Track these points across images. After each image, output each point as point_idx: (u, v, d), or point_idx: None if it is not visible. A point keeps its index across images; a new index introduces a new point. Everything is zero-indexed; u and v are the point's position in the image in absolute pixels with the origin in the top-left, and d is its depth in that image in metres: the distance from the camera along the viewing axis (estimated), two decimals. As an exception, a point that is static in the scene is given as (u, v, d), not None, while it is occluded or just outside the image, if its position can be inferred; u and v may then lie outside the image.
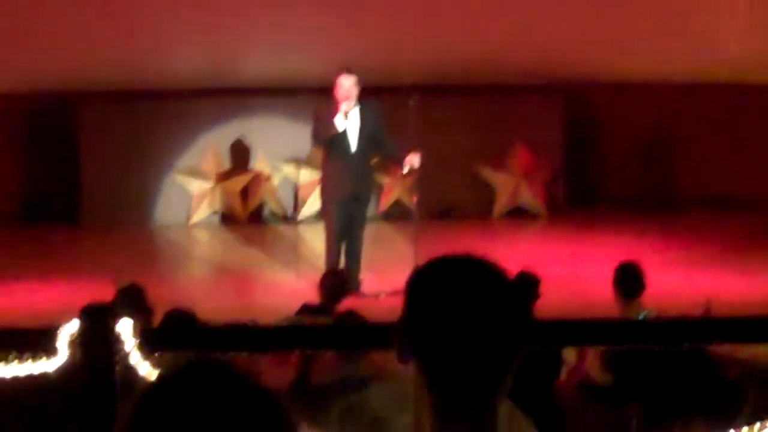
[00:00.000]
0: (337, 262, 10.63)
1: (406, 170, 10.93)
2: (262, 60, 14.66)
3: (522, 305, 2.28)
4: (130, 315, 4.92)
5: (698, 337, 4.52)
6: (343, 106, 10.60)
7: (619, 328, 4.75)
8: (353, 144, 10.71)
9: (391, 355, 2.32)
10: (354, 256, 10.88)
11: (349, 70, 10.72)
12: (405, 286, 2.29)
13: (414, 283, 2.28)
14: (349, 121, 10.68)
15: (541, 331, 4.12)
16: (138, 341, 4.15)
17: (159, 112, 14.85)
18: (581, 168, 15.27)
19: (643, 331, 4.62)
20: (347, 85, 10.66)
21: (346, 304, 8.42)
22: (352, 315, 7.10)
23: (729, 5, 14.25)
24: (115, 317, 4.18)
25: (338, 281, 8.87)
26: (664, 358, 5.71)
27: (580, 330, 4.42)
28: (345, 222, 10.78)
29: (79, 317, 4.29)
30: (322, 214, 11.18)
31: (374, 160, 11.50)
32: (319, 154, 11.63)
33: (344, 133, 10.67)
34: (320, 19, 14.24)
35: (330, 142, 10.71)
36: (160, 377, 1.97)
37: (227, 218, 14.84)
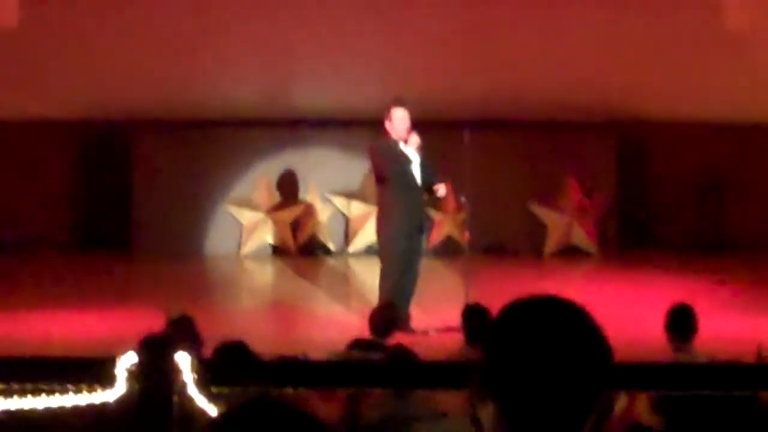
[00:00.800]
0: (394, 297, 10.50)
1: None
2: (314, 92, 14.74)
3: (610, 350, 2.25)
4: (181, 346, 4.96)
5: (751, 384, 4.49)
6: (402, 137, 10.48)
7: (672, 373, 4.72)
8: (417, 175, 10.61)
9: (441, 393, 2.30)
10: (409, 291, 10.72)
11: (401, 101, 10.62)
12: (489, 328, 2.26)
13: (498, 325, 2.25)
14: (410, 152, 10.63)
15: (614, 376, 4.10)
16: (196, 375, 4.18)
17: (212, 142, 14.95)
18: (634, 207, 15.21)
19: (696, 376, 4.59)
20: (403, 116, 10.53)
21: (397, 339, 8.40)
22: (403, 351, 7.09)
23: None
24: (174, 349, 4.21)
25: (389, 316, 8.85)
26: (715, 403, 5.67)
27: (633, 374, 4.40)
28: (407, 256, 10.59)
29: (138, 349, 4.33)
30: (383, 248, 10.88)
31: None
32: (370, 187, 11.52)
33: (410, 164, 10.56)
34: (374, 53, 14.32)
35: (395, 174, 10.55)
36: (221, 415, 2.00)
37: (278, 250, 14.89)
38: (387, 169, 10.57)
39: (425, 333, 10.46)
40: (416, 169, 10.52)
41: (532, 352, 2.16)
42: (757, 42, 14.30)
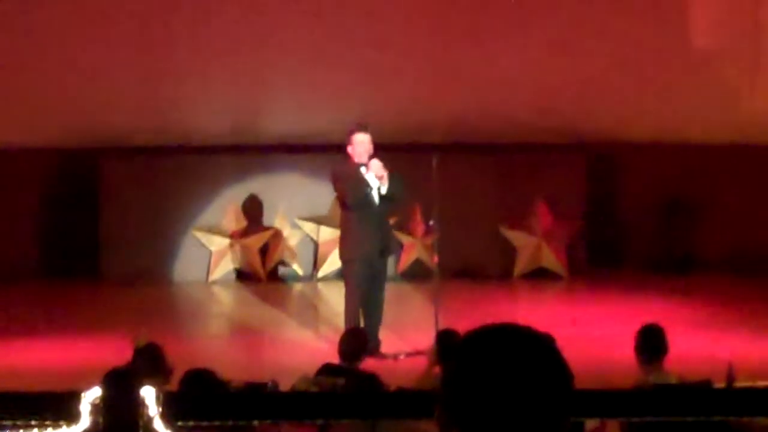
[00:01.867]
0: (358, 321, 10.53)
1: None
2: (282, 118, 14.72)
3: (569, 375, 2.23)
4: (148, 375, 4.90)
5: (722, 409, 4.47)
6: (363, 161, 10.50)
7: (642, 399, 4.70)
8: (376, 199, 10.61)
9: (409, 421, 2.28)
10: (376, 316, 10.73)
11: (364, 127, 10.65)
12: (445, 355, 2.25)
13: (457, 352, 2.23)
14: (370, 177, 10.63)
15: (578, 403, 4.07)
16: (161, 409, 4.13)
17: (180, 169, 14.90)
18: (603, 228, 15.22)
19: (666, 401, 4.57)
20: (363, 140, 10.58)
21: (366, 364, 8.37)
22: (371, 379, 7.06)
23: (750, 67, 14.27)
24: (139, 383, 4.16)
25: (358, 341, 8.82)
26: (686, 425, 5.65)
27: (603, 401, 4.38)
28: (368, 280, 10.61)
29: (102, 383, 4.27)
30: (344, 272, 10.97)
31: (393, 218, 11.42)
32: (338, 212, 11.51)
33: (369, 188, 10.62)
34: (340, 78, 14.32)
35: (361, 199, 10.59)
36: None
37: (247, 276, 14.83)
38: (345, 193, 10.64)
39: (395, 358, 10.45)
40: (376, 194, 10.54)
41: (495, 381, 2.14)
42: (725, 61, 14.37)
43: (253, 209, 15.03)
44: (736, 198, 14.96)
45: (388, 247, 10.84)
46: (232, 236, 14.81)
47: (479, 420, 2.14)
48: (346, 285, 10.76)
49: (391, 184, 10.53)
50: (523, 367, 2.15)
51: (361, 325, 10.45)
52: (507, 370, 2.15)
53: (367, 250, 10.55)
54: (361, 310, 10.63)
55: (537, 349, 2.19)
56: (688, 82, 14.39)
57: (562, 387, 2.17)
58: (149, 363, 7.08)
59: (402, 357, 10.44)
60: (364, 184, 10.52)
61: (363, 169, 10.51)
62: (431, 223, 11.11)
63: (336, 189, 10.89)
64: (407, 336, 10.95)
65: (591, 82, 14.38)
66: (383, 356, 10.40)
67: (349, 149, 10.61)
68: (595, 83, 14.39)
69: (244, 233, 14.86)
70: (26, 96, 14.25)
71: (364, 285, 10.60)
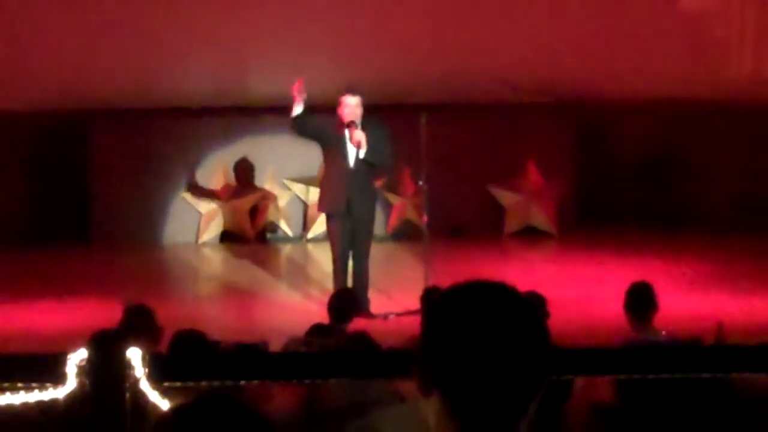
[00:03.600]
0: (345, 281, 10.54)
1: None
2: (271, 79, 14.65)
3: (546, 331, 2.24)
4: (138, 336, 4.89)
5: (711, 366, 4.47)
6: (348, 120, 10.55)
7: (633, 357, 4.70)
8: (351, 159, 10.62)
9: (400, 380, 2.28)
10: (360, 276, 10.74)
11: (353, 90, 10.66)
12: (423, 314, 2.24)
13: (433, 311, 2.23)
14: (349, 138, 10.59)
15: (555, 360, 4.07)
16: (147, 370, 4.12)
17: (168, 132, 14.85)
18: (592, 187, 15.22)
19: (657, 359, 4.56)
20: (352, 104, 10.61)
21: (356, 324, 8.38)
22: (361, 338, 7.05)
23: (739, 27, 14.25)
24: (125, 344, 4.15)
25: (347, 301, 8.82)
26: (678, 381, 5.65)
27: (593, 359, 4.37)
28: (345, 238, 10.65)
29: (88, 345, 4.26)
30: (327, 230, 11.14)
31: (377, 180, 11.43)
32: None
33: (344, 146, 10.59)
34: (330, 39, 14.27)
35: (328, 152, 10.71)
36: (169, 411, 2.01)
37: (236, 237, 14.80)
38: (322, 147, 10.84)
39: (385, 317, 10.46)
40: (352, 153, 10.54)
41: (470, 337, 2.15)
42: (712, 19, 14.34)
43: (242, 171, 14.99)
44: (725, 156, 14.96)
45: (359, 210, 10.71)
46: (221, 198, 14.78)
47: (457, 377, 2.13)
48: (330, 243, 10.88)
49: (374, 152, 10.52)
50: (498, 322, 2.15)
51: (349, 284, 10.48)
52: (482, 327, 2.15)
53: (333, 204, 10.67)
54: (347, 270, 10.66)
55: (511, 304, 2.19)
56: (675, 41, 14.36)
57: (538, 342, 2.17)
58: (139, 324, 7.08)
59: (392, 317, 10.46)
60: (339, 141, 10.56)
61: (347, 132, 10.53)
62: (420, 183, 11.10)
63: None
64: (397, 296, 10.96)
65: (579, 41, 14.34)
66: (372, 316, 10.41)
67: (339, 111, 10.61)
68: (583, 43, 14.35)
69: (234, 195, 14.82)
70: (12, 60, 14.18)
71: (341, 242, 10.64)
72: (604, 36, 14.36)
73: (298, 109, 10.59)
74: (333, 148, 10.66)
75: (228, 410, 2.00)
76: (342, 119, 10.59)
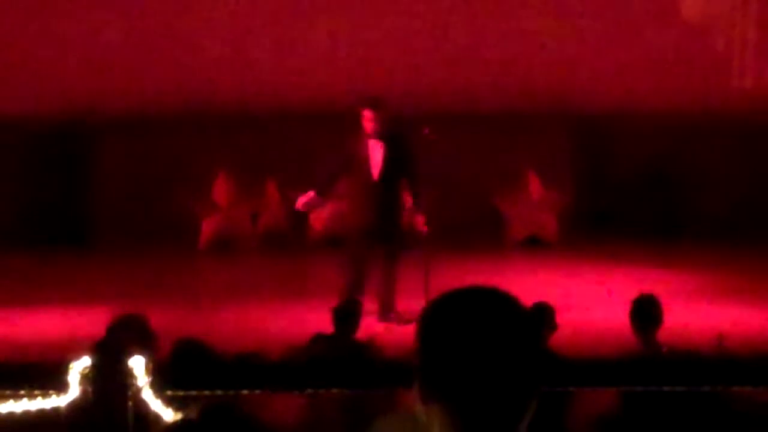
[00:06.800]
0: (354, 292, 10.55)
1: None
2: (275, 84, 14.67)
3: (541, 339, 2.25)
4: (132, 344, 4.88)
5: (712, 379, 4.46)
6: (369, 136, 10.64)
7: (635, 369, 4.69)
8: (376, 173, 10.66)
9: (402, 390, 2.27)
10: (384, 286, 10.86)
11: (370, 103, 10.72)
12: (418, 322, 2.24)
13: (426, 319, 2.22)
14: (373, 151, 10.66)
15: (556, 371, 4.07)
16: (150, 379, 4.11)
17: (170, 135, 14.83)
18: (592, 196, 15.22)
19: (658, 371, 4.56)
20: (367, 117, 10.66)
21: (360, 334, 8.38)
22: (364, 350, 7.05)
23: (740, 40, 14.27)
24: (127, 353, 4.14)
25: (352, 311, 8.81)
26: (680, 393, 5.64)
27: (596, 370, 4.37)
28: (365, 252, 10.75)
29: (91, 353, 4.25)
30: (345, 243, 11.16)
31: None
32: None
33: (367, 162, 10.64)
34: (334, 46, 14.29)
35: (355, 170, 10.74)
36: (175, 424, 1.97)
37: (238, 243, 14.78)
38: (349, 163, 10.81)
39: (389, 325, 10.47)
40: (376, 166, 10.59)
41: (465, 345, 2.14)
42: (713, 30, 14.35)
43: (245, 177, 14.98)
44: (725, 166, 14.97)
45: (385, 224, 10.78)
46: (222, 204, 14.76)
47: (451, 384, 2.13)
48: (345, 254, 10.97)
49: (394, 167, 10.56)
50: (489, 327, 2.15)
51: (356, 295, 10.48)
52: (474, 332, 2.15)
53: (362, 222, 10.67)
54: (359, 282, 10.71)
55: (503, 309, 2.19)
56: (676, 53, 14.38)
57: (530, 346, 2.17)
58: (134, 333, 7.04)
59: (395, 326, 10.49)
60: (363, 157, 10.64)
61: (370, 143, 10.60)
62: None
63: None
64: (398, 305, 10.94)
65: (580, 50, 14.36)
66: (387, 321, 10.49)
67: (363, 124, 10.73)
68: (583, 52, 14.37)
69: (235, 201, 14.81)
70: (14, 63, 14.19)
71: (359, 256, 10.73)
72: (606, 47, 14.38)
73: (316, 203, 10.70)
74: (358, 164, 10.74)
75: (233, 423, 1.97)
76: (366, 131, 10.65)
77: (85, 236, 14.68)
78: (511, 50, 14.34)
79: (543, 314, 7.33)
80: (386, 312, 10.70)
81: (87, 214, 14.79)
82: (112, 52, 14.33)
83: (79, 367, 4.20)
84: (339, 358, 6.98)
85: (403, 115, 13.34)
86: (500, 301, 2.20)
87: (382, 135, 10.65)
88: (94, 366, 4.17)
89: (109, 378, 4.12)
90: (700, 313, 10.69)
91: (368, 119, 10.66)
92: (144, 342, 6.75)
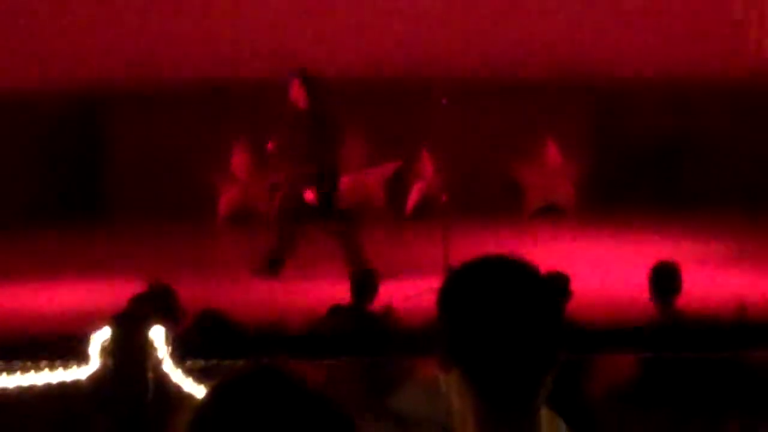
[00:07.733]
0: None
1: None
2: (293, 55, 14.65)
3: (560, 307, 2.25)
4: (159, 317, 4.90)
5: (736, 345, 4.46)
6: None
7: (654, 336, 4.70)
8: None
9: (422, 359, 2.29)
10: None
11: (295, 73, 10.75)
12: (439, 291, 2.25)
13: (447, 287, 2.24)
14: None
15: (576, 338, 4.08)
16: (170, 349, 4.13)
17: (189, 106, 14.81)
18: (611, 165, 15.17)
19: (678, 338, 4.56)
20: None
21: (377, 304, 8.39)
22: (385, 316, 7.07)
23: (759, 8, 14.23)
24: (147, 324, 4.16)
25: (370, 281, 8.82)
26: (696, 360, 5.64)
27: (614, 337, 4.37)
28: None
29: (111, 324, 4.27)
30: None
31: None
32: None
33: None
34: (341, 13, 14.30)
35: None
36: (210, 392, 1.84)
37: (255, 215, 14.77)
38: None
39: (406, 297, 10.45)
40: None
41: (487, 313, 2.16)
42: (730, 1, 14.31)
43: (262, 148, 14.95)
44: (743, 135, 14.90)
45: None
46: (240, 176, 14.76)
47: (472, 351, 2.15)
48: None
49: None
50: (510, 295, 2.18)
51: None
52: (495, 300, 2.17)
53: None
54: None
55: (523, 277, 2.21)
56: (695, 22, 14.31)
57: (551, 314, 2.19)
58: (160, 304, 7.07)
59: (413, 296, 10.46)
60: None
61: None
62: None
63: None
64: (416, 276, 10.93)
65: (598, 19, 14.31)
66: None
67: None
68: (602, 21, 14.32)
69: (254, 172, 14.80)
70: (25, 37, 14.21)
71: None
72: (624, 16, 14.32)
73: None
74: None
75: (280, 383, 1.79)
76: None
77: (104, 209, 14.70)
78: (529, 20, 14.29)
79: (557, 283, 7.34)
80: None
81: (105, 187, 14.80)
82: (129, 23, 14.32)
83: (100, 338, 4.22)
84: (357, 328, 7.00)
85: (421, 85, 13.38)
86: (521, 270, 2.22)
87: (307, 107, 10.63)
88: (113, 337, 4.20)
89: (129, 349, 4.14)
90: (717, 279, 10.67)
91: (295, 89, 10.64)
92: (169, 314, 6.79)
